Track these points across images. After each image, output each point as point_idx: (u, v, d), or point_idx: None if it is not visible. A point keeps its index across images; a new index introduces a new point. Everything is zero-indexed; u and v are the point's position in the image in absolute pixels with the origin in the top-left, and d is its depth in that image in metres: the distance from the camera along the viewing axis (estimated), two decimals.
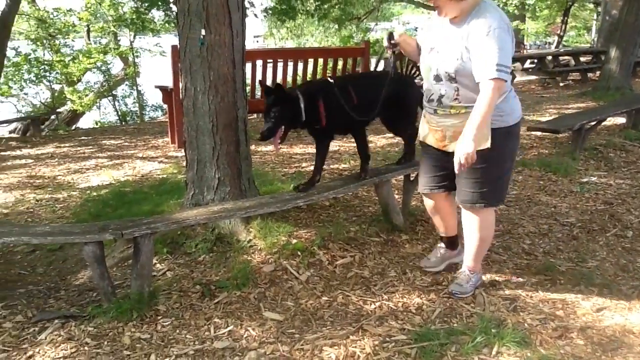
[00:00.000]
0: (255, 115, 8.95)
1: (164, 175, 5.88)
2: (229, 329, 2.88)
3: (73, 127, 15.07)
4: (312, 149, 6.43)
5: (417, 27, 21.62)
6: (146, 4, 12.65)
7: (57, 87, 16.55)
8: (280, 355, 2.65)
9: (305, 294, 3.17)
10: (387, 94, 3.40)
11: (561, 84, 13.11)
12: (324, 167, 5.43)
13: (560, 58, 14.33)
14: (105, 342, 2.82)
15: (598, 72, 12.61)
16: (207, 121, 3.65)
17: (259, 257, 3.53)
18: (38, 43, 15.87)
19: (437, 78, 2.80)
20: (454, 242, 3.38)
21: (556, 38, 21.70)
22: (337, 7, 15.14)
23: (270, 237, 3.64)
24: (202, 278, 3.38)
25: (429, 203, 3.25)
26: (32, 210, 5.09)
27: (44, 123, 14.32)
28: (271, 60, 7.28)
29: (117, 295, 3.14)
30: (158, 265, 3.56)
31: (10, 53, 14.02)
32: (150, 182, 5.62)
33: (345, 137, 6.93)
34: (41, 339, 2.90)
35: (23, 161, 7.67)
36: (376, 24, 22.35)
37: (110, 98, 17.21)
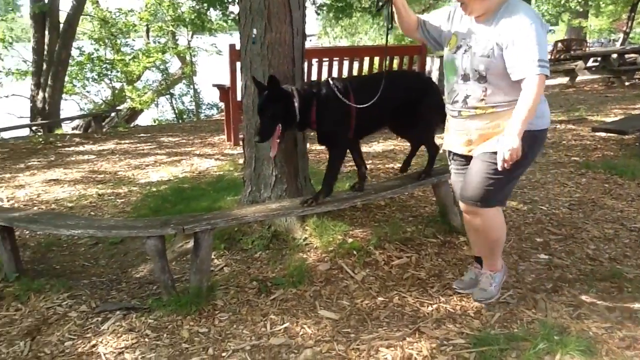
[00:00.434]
0: None
1: (221, 173, 5.97)
2: (284, 325, 2.89)
3: (132, 125, 15.53)
4: (367, 147, 6.42)
5: None
6: (205, 4, 12.88)
7: (117, 85, 17.09)
8: (336, 354, 2.64)
9: (361, 294, 3.15)
10: (401, 98, 3.27)
11: (627, 83, 12.59)
12: (379, 166, 5.44)
13: (627, 56, 13.76)
14: (165, 335, 2.89)
15: None
16: None
17: (315, 255, 3.53)
18: (100, 43, 16.42)
19: (465, 77, 2.68)
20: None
21: (622, 35, 20.82)
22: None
23: (326, 235, 3.63)
24: (258, 274, 3.41)
25: (466, 218, 2.97)
26: (95, 204, 5.26)
27: (104, 120, 14.81)
28: (327, 59, 7.28)
29: (177, 289, 3.20)
30: (215, 260, 3.61)
31: (74, 52, 14.58)
32: (207, 179, 5.72)
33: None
34: (104, 329, 3.00)
35: (86, 157, 7.95)
36: None
37: (167, 96, 17.65)
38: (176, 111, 17.38)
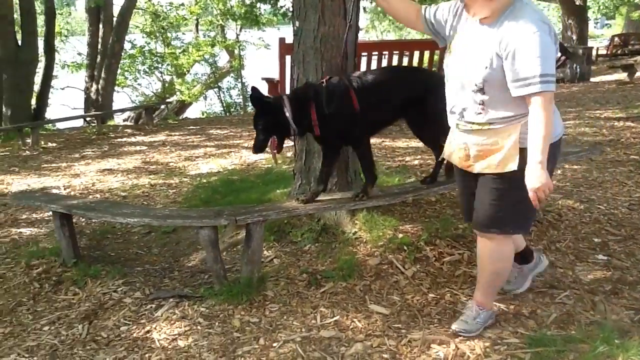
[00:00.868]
0: None
1: (269, 165, 6.02)
2: (335, 318, 2.90)
3: (181, 117, 15.83)
4: (416, 142, 6.35)
5: None
6: None
7: (167, 78, 17.46)
8: (387, 349, 2.62)
9: (411, 290, 3.13)
10: (407, 95, 3.09)
11: None
12: (428, 161, 5.37)
13: None
14: (217, 323, 2.93)
15: None
16: None
17: (364, 249, 3.52)
18: (152, 36, 16.79)
19: (463, 87, 2.40)
20: (525, 256, 2.97)
21: None
22: None
23: (375, 230, 3.61)
24: (308, 267, 3.42)
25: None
26: (147, 194, 5.39)
27: (155, 112, 15.15)
28: (376, 53, 7.22)
29: (228, 278, 3.25)
30: (265, 252, 3.64)
31: (126, 46, 14.95)
32: (256, 172, 5.78)
33: None
34: (157, 316, 3.07)
35: (137, 148, 8.16)
36: None
37: (215, 89, 17.91)
38: (224, 104, 17.62)
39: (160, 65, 16.60)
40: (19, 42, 10.60)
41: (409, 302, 3.02)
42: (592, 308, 2.86)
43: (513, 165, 2.35)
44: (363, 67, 7.31)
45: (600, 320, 2.74)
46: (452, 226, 3.67)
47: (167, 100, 16.61)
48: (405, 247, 3.46)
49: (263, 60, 15.73)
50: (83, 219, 4.50)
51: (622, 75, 13.39)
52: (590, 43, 18.50)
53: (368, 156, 3.33)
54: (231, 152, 7.18)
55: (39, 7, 13.37)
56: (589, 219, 3.99)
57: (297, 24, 3.66)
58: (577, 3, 16.42)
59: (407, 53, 7.49)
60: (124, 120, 14.92)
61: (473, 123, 2.41)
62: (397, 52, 7.31)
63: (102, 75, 12.97)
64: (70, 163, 7.15)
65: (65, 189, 5.76)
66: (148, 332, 2.92)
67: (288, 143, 3.47)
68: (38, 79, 11.96)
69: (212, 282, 3.32)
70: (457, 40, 2.44)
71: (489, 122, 2.37)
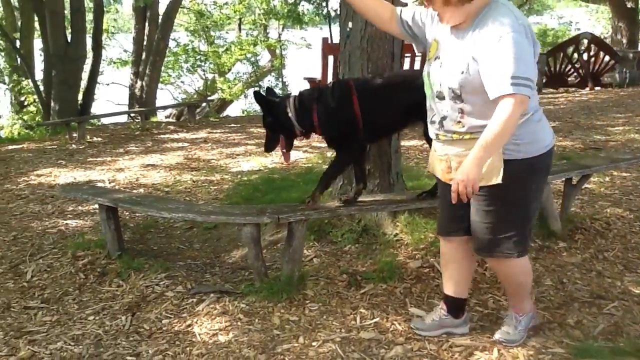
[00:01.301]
0: None
1: (309, 165, 6.03)
2: (375, 320, 2.88)
3: (222, 115, 16.02)
4: None
5: (571, 22, 20.18)
6: None
7: (209, 76, 17.68)
8: (427, 353, 2.59)
9: None
10: (413, 102, 2.83)
11: None
12: None
13: None
14: (257, 320, 2.95)
15: None
16: None
17: (405, 252, 3.49)
18: (195, 35, 17.04)
19: (440, 95, 2.29)
20: (459, 308, 2.71)
21: None
22: None
23: (417, 232, 3.58)
24: (348, 267, 3.42)
25: (444, 249, 2.69)
26: (189, 189, 5.47)
27: (196, 110, 15.38)
28: (419, 54, 7.17)
29: (269, 276, 3.26)
30: (305, 251, 3.64)
31: (171, 44, 15.21)
32: (296, 170, 5.80)
33: None
34: (199, 310, 3.11)
35: (180, 144, 8.28)
36: (527, 17, 21.18)
37: (256, 88, 18.06)
38: None
39: (203, 64, 16.83)
40: (68, 39, 10.88)
41: None
42: None
43: (497, 179, 2.21)
44: (406, 67, 7.28)
45: None
46: None
47: (209, 98, 16.82)
48: None
49: (304, 59, 15.82)
50: (127, 213, 4.60)
51: None
52: None
53: (342, 167, 3.25)
54: (277, 150, 7.21)
55: (88, 4, 13.71)
56: (639, 229, 3.87)
57: (344, 24, 3.66)
58: (629, 5, 15.94)
59: None
60: (166, 117, 15.18)
61: (453, 133, 2.29)
62: None
63: (147, 72, 13.23)
64: (115, 157, 7.31)
65: (110, 183, 5.89)
66: (189, 326, 2.96)
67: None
68: (85, 74, 12.26)
69: (252, 279, 3.34)
70: (435, 47, 2.34)
71: (469, 131, 2.24)
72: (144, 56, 13.35)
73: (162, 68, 14.76)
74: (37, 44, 14.27)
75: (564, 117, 7.62)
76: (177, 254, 3.97)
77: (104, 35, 15.43)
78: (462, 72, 2.15)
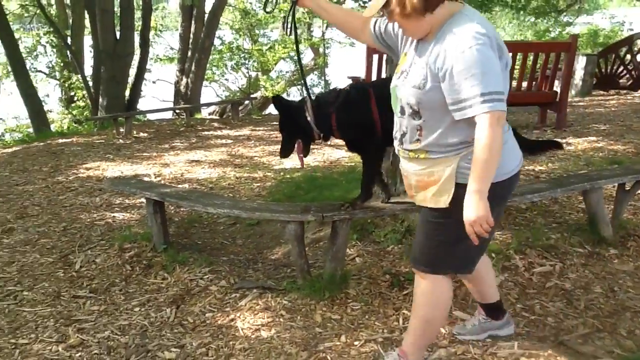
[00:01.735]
0: None
1: (352, 164, 6.01)
2: None
3: (265, 112, 16.13)
4: None
5: (624, 22, 19.50)
6: None
7: (253, 74, 17.84)
8: (471, 357, 2.55)
9: None
10: None
11: None
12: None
13: None
14: (299, 317, 2.96)
15: None
16: None
17: None
18: (240, 33, 17.21)
19: (402, 111, 2.15)
20: (495, 310, 2.65)
21: None
22: None
23: None
24: (391, 268, 3.39)
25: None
26: (233, 186, 5.52)
27: (240, 107, 15.54)
28: None
29: (311, 274, 3.27)
30: (348, 250, 3.62)
31: (216, 42, 15.40)
32: (338, 169, 5.79)
33: (541, 137, 6.52)
34: (241, 305, 3.14)
35: (223, 141, 8.38)
36: (577, 17, 20.57)
37: (299, 86, 18.12)
38: None
39: (246, 62, 17.00)
40: (117, 36, 11.14)
41: None
42: None
43: (445, 201, 2.09)
44: None
45: None
46: (543, 236, 3.52)
47: (252, 95, 16.97)
48: (493, 255, 3.34)
49: (347, 58, 15.79)
50: (172, 207, 4.67)
51: None
52: None
53: (373, 170, 3.16)
54: (314, 149, 7.22)
55: (137, 2, 14.00)
56: None
57: None
58: None
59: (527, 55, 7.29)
60: (209, 114, 15.38)
61: (410, 150, 2.17)
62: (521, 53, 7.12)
63: (192, 69, 13.41)
64: (161, 153, 7.44)
65: (155, 178, 6.00)
66: (232, 320, 2.99)
67: None
68: (132, 71, 12.52)
69: (294, 276, 3.35)
70: (403, 60, 2.21)
71: (425, 149, 2.11)
72: (189, 54, 13.54)
73: (207, 65, 14.96)
74: (87, 40, 14.69)
75: (615, 120, 7.38)
76: (221, 249, 4.01)
77: (152, 33, 15.73)
78: (420, 88, 2.01)
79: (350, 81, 7.82)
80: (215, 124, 10.40)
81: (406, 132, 2.17)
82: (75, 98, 15.94)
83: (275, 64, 17.54)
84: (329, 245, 3.21)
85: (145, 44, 12.39)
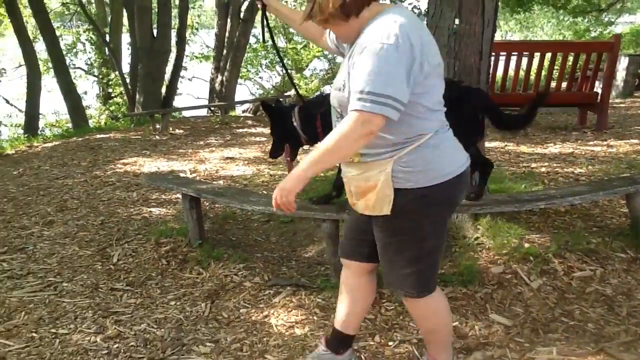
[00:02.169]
0: None
1: None
2: (453, 324, 2.79)
3: None
4: (541, 148, 6.04)
5: None
6: None
7: None
8: None
9: (536, 303, 2.96)
10: None
11: None
12: (556, 169, 5.10)
13: None
14: (332, 315, 2.92)
15: None
16: None
17: (487, 256, 3.39)
18: (275, 31, 17.27)
19: (335, 116, 2.11)
20: (340, 343, 2.47)
21: None
22: None
23: (499, 237, 3.46)
24: None
25: (342, 275, 2.45)
26: (267, 183, 5.54)
27: None
28: (504, 53, 6.96)
29: None
30: None
31: (251, 40, 15.50)
32: None
33: (581, 139, 6.39)
34: (275, 302, 3.15)
35: (258, 138, 8.42)
36: (619, 16, 20.05)
37: (330, 85, 18.14)
38: None
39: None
40: (155, 34, 11.30)
41: (533, 315, 2.86)
42: None
43: (386, 209, 1.99)
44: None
45: None
46: (583, 240, 3.44)
47: (286, 94, 17.03)
48: (531, 258, 3.28)
49: None
50: (206, 203, 4.71)
51: None
52: None
53: None
54: None
55: (174, 1, 14.20)
56: None
57: (430, 21, 3.59)
58: None
59: (539, 55, 7.16)
60: (243, 112, 15.50)
61: None
62: (528, 53, 7.00)
63: (227, 67, 13.53)
64: (196, 149, 7.53)
65: (191, 174, 6.07)
66: (266, 316, 3.00)
67: None
68: (169, 68, 12.70)
69: (328, 274, 3.35)
70: (340, 66, 2.15)
71: (358, 152, 2.00)
72: (224, 52, 13.66)
73: (242, 64, 15.07)
74: (125, 38, 14.96)
75: None
76: (255, 246, 4.03)
77: (188, 31, 15.93)
78: (341, 90, 1.97)
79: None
80: (250, 122, 10.49)
81: None
82: (113, 94, 16.27)
83: (310, 62, 17.57)
84: None
85: (181, 42, 12.56)
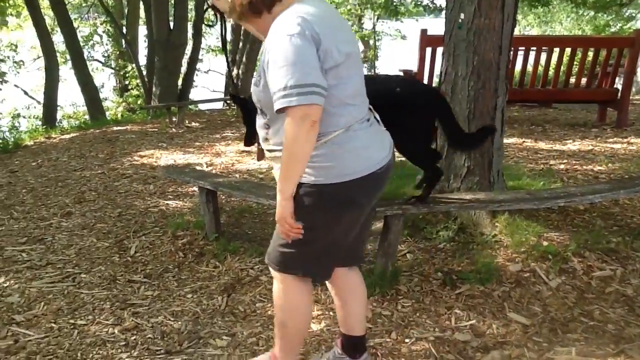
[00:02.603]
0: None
1: (402, 158, 5.93)
2: (470, 322, 2.80)
3: None
4: (559, 145, 5.97)
5: None
6: None
7: None
8: None
9: (555, 302, 2.93)
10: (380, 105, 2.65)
11: None
12: (575, 167, 5.03)
13: None
14: None
15: None
16: (464, 107, 3.56)
17: (504, 254, 3.36)
18: None
19: (256, 110, 2.11)
20: (353, 347, 2.41)
21: None
22: None
23: (517, 235, 3.43)
24: (443, 266, 3.33)
25: (327, 282, 2.43)
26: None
27: None
28: (522, 48, 6.89)
29: (361, 268, 3.24)
30: (399, 246, 3.59)
31: None
32: None
33: (600, 136, 6.32)
34: None
35: None
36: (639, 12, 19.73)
37: None
38: None
39: None
40: (171, 26, 11.32)
41: (552, 314, 2.83)
42: None
43: None
44: None
45: None
46: (604, 239, 3.40)
47: None
48: (549, 256, 3.25)
49: (398, 51, 15.64)
50: (223, 196, 4.72)
51: None
52: None
53: None
54: None
55: None
56: None
57: (450, 15, 3.56)
58: None
59: (559, 50, 7.08)
60: None
61: (266, 149, 2.12)
62: (547, 48, 6.93)
63: (243, 60, 13.52)
64: (212, 142, 7.54)
65: (207, 167, 6.09)
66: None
67: None
68: (185, 61, 12.72)
69: None
70: None
71: (274, 148, 2.03)
72: (240, 45, 13.65)
73: (258, 57, 15.06)
74: (142, 30, 15.01)
75: None
76: (269, 240, 4.02)
77: (204, 24, 15.94)
78: (257, 85, 1.95)
79: (401, 74, 7.76)
80: None
81: (260, 131, 2.10)
82: (130, 87, 16.35)
83: None
84: (380, 240, 3.18)
85: (197, 35, 12.56)
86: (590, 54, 7.03)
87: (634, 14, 19.41)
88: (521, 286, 3.08)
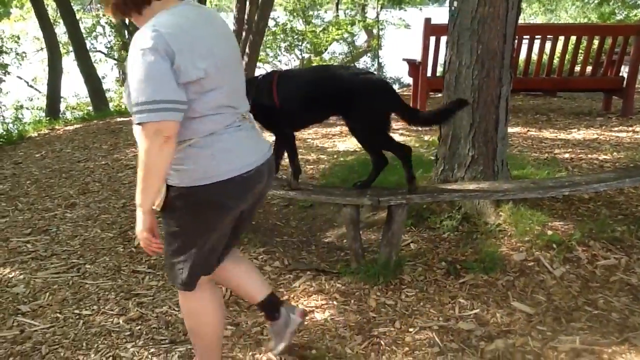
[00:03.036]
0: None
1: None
2: (474, 311, 2.80)
3: None
4: (564, 134, 5.95)
5: None
6: None
7: (306, 56, 17.83)
8: (530, 350, 2.49)
9: (559, 291, 2.93)
10: (333, 95, 3.06)
11: None
12: (580, 155, 5.02)
13: None
14: (352, 301, 2.96)
15: None
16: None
17: (509, 243, 3.36)
18: (294, 14, 17.19)
19: None
20: (271, 307, 2.46)
21: None
22: None
23: (522, 224, 3.43)
24: (447, 255, 3.33)
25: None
26: (286, 167, 5.50)
27: None
28: (527, 36, 6.83)
29: (365, 258, 3.25)
30: (403, 235, 3.59)
31: (269, 23, 15.42)
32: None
33: (605, 124, 6.28)
34: (295, 286, 3.16)
35: None
36: None
37: None
38: None
39: (300, 43, 16.98)
40: None
41: (556, 303, 2.83)
42: None
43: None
44: None
45: None
46: (608, 228, 3.39)
47: None
48: (554, 245, 3.25)
49: (401, 40, 15.56)
50: None
51: None
52: None
53: (290, 149, 3.38)
54: None
55: None
56: None
57: (454, 3, 3.53)
58: None
59: (564, 38, 7.03)
60: None
61: None
62: (552, 36, 6.88)
63: (247, 51, 13.48)
64: None
65: None
66: (286, 300, 3.01)
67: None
68: None
69: (348, 259, 3.34)
70: None
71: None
72: (243, 35, 13.60)
73: (261, 47, 15.01)
74: None
75: None
76: (274, 230, 4.04)
77: None
78: (125, 92, 1.89)
79: (405, 64, 7.72)
80: None
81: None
82: None
83: (329, 45, 17.45)
84: (384, 230, 3.18)
85: None
86: (596, 42, 6.97)
87: (639, 2, 19.25)
88: (525, 275, 3.08)
